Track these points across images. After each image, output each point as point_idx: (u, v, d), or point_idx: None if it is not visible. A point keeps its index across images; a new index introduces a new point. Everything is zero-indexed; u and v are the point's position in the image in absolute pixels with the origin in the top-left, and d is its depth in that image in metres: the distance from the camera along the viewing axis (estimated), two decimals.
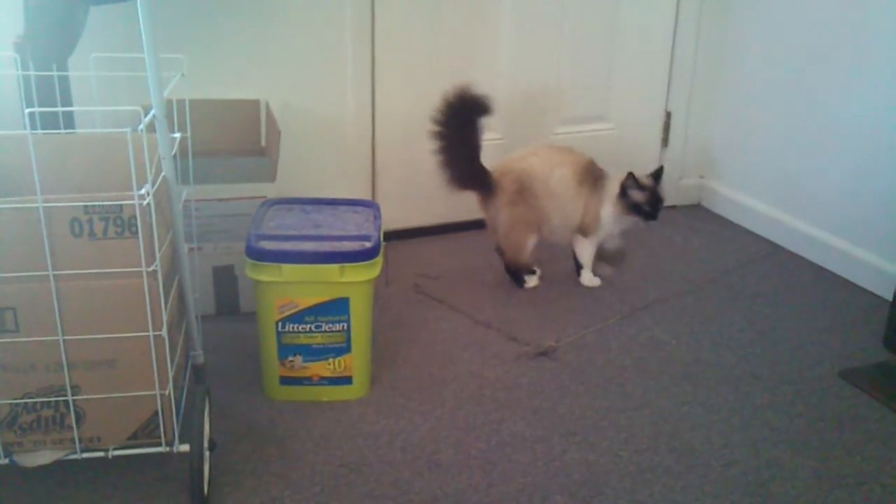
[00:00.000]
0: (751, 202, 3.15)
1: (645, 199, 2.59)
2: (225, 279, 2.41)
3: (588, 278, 2.73)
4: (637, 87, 3.19)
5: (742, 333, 2.47)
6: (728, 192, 3.27)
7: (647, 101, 3.24)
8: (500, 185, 2.58)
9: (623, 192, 2.58)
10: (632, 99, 3.20)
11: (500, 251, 2.72)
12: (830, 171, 2.81)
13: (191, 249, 2.28)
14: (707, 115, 3.27)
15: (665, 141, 3.30)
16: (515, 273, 2.71)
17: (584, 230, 2.65)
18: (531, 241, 2.63)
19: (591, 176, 2.62)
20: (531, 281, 2.72)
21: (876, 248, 2.67)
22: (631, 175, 2.57)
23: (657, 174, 2.64)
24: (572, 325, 2.50)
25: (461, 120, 2.52)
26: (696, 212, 3.36)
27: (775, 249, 3.04)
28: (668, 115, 3.27)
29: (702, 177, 3.39)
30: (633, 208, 2.59)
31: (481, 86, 2.93)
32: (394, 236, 2.88)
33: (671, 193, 3.34)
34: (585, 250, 2.70)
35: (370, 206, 2.23)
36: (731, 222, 3.25)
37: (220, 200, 2.34)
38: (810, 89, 2.84)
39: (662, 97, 3.24)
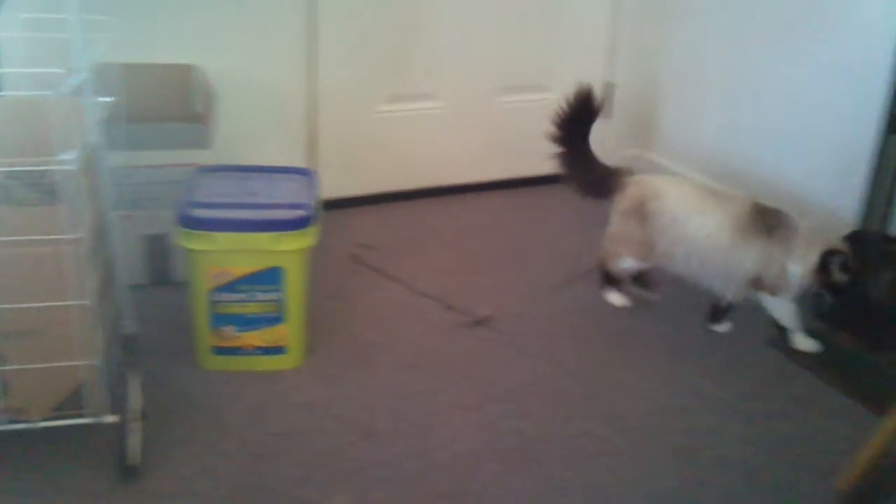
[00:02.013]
0: (689, 172, 3.19)
1: (846, 284, 2.17)
2: (157, 248, 2.37)
3: (801, 340, 2.29)
4: (578, 58, 3.19)
5: (675, 302, 2.51)
6: (667, 163, 3.30)
7: (588, 72, 3.24)
8: (624, 190, 2.38)
9: (824, 268, 2.16)
10: (574, 69, 3.19)
11: (599, 260, 2.52)
12: (768, 143, 2.85)
13: (121, 217, 2.24)
14: (648, 86, 3.30)
15: (606, 112, 3.31)
16: (605, 276, 2.50)
17: (768, 287, 2.25)
18: (628, 263, 2.41)
19: (764, 223, 2.22)
20: (613, 297, 2.49)
21: (809, 218, 2.73)
22: (840, 253, 2.16)
23: (856, 239, 2.22)
24: (509, 294, 2.51)
25: (582, 126, 2.45)
26: None
27: None
28: (610, 86, 3.28)
29: (643, 148, 3.41)
30: (828, 287, 2.20)
31: (424, 55, 2.94)
32: (334, 205, 2.85)
33: (613, 164, 3.37)
34: (784, 312, 2.28)
35: (306, 174, 2.21)
36: None
37: (152, 167, 2.30)
38: (751, 62, 2.87)
39: (604, 68, 3.26)
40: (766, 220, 2.22)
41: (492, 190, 3.17)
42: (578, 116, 2.45)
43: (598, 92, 2.47)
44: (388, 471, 1.80)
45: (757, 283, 2.25)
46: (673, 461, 1.88)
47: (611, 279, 2.48)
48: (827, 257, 2.15)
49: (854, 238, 2.23)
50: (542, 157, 3.25)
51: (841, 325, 2.31)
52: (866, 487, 1.41)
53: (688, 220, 2.27)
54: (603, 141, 3.30)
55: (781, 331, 2.32)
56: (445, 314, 2.39)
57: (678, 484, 1.81)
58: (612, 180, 2.41)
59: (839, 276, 2.16)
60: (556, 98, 3.18)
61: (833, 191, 2.53)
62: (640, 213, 2.33)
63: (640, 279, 2.48)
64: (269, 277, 1.99)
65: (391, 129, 2.98)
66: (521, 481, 1.80)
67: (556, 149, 2.47)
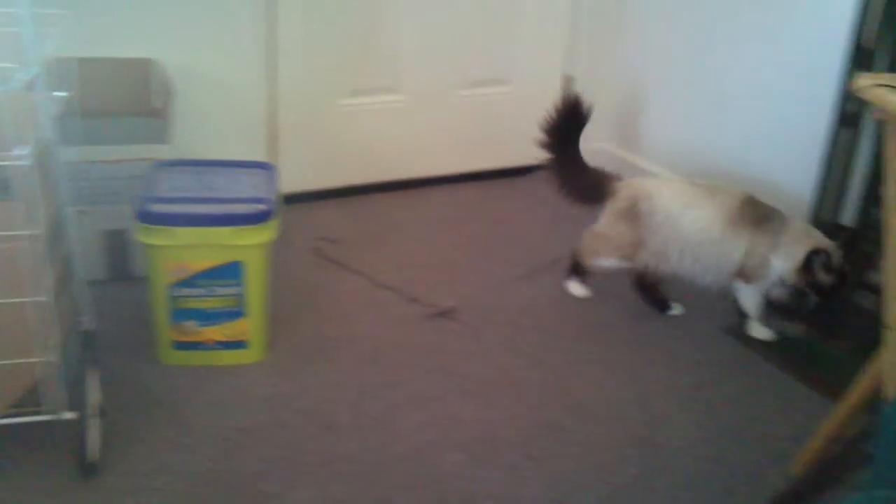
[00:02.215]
0: (647, 165, 3.22)
1: (831, 283, 2.18)
2: (117, 243, 2.35)
3: (757, 328, 2.34)
4: (538, 51, 3.21)
5: (631, 292, 2.53)
6: (626, 156, 3.33)
7: (548, 65, 3.27)
8: (616, 194, 2.39)
9: (808, 267, 2.18)
10: (532, 63, 3.22)
11: (573, 251, 2.52)
12: (725, 134, 2.89)
13: (80, 213, 2.23)
14: (606, 80, 3.32)
15: None
16: (574, 266, 2.51)
17: (746, 275, 2.28)
18: (608, 262, 2.42)
19: (754, 215, 2.26)
20: (574, 287, 2.51)
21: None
22: (824, 252, 2.17)
23: (847, 240, 2.24)
24: (473, 286, 2.52)
25: (571, 132, 2.45)
26: None
27: None
28: (568, 80, 3.30)
29: (602, 141, 3.44)
30: (813, 286, 2.21)
31: (385, 49, 2.94)
32: (296, 199, 2.85)
33: None
34: (750, 299, 2.33)
35: (266, 168, 2.20)
36: None
37: (111, 162, 2.28)
38: (707, 55, 2.90)
39: (562, 62, 3.27)
40: (756, 212, 2.26)
41: (455, 183, 3.18)
42: (567, 123, 2.46)
43: (585, 98, 2.48)
44: (349, 464, 1.81)
45: (738, 272, 2.28)
46: (632, 449, 1.90)
47: (579, 270, 2.49)
48: (811, 256, 2.17)
49: (846, 241, 2.25)
50: (505, 150, 3.29)
51: (826, 330, 2.34)
52: (819, 472, 1.44)
53: (682, 216, 2.29)
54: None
55: (742, 317, 2.35)
56: (409, 306, 2.40)
57: (637, 471, 1.84)
58: (604, 185, 2.43)
59: (823, 277, 2.17)
60: (517, 91, 3.23)
61: (792, 180, 2.57)
62: (633, 213, 2.35)
63: (653, 296, 2.46)
64: (230, 272, 1.99)
65: (353, 122, 2.97)
66: (483, 471, 1.81)
67: (545, 156, 2.48)
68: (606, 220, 2.41)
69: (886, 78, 1.54)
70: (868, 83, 1.50)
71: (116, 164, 2.28)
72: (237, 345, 2.07)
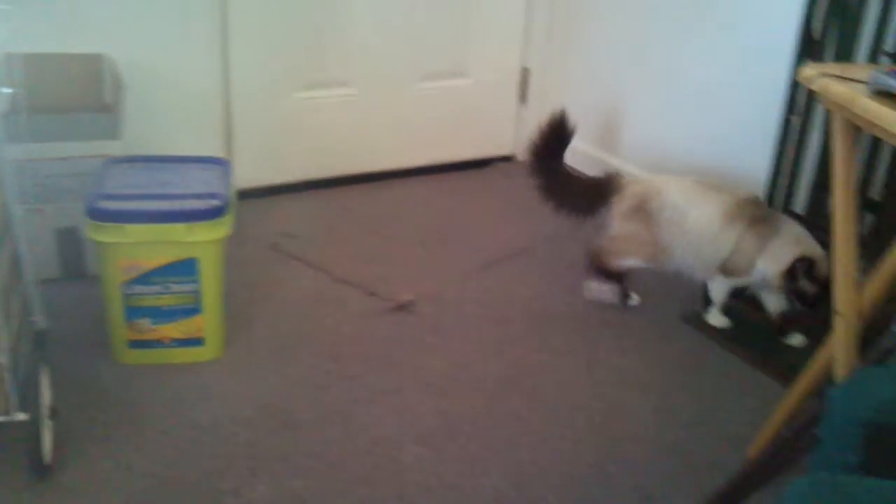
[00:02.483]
0: (604, 155, 3.25)
1: (814, 293, 2.15)
2: (69, 241, 2.32)
3: (715, 316, 2.36)
4: (494, 43, 3.22)
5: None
6: (583, 147, 3.35)
7: (504, 57, 3.28)
8: (622, 192, 2.37)
9: (792, 273, 2.16)
10: (489, 56, 3.22)
11: (591, 256, 2.46)
12: (683, 125, 2.92)
13: (31, 211, 2.19)
14: (563, 71, 3.34)
15: (522, 97, 3.35)
16: (602, 272, 2.44)
17: (727, 270, 2.28)
18: (632, 262, 2.39)
19: (751, 214, 2.24)
20: (598, 290, 2.45)
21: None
22: (809, 261, 2.14)
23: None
24: (430, 279, 2.53)
25: (558, 149, 2.45)
26: None
27: None
28: (526, 72, 3.31)
29: None
30: (795, 294, 2.19)
31: (339, 43, 2.92)
32: (253, 195, 2.83)
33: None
34: (719, 288, 2.34)
35: (220, 163, 2.18)
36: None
37: (62, 159, 2.24)
38: (662, 46, 2.93)
39: (519, 54, 3.28)
40: (754, 212, 2.24)
41: (412, 176, 3.18)
42: (554, 142, 2.46)
43: (570, 115, 2.47)
44: (308, 458, 1.81)
45: (722, 266, 2.28)
46: (590, 437, 1.92)
47: (609, 275, 2.43)
48: (796, 263, 2.15)
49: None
50: (462, 143, 3.30)
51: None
52: (769, 457, 1.46)
53: (688, 211, 2.29)
54: (520, 126, 3.38)
55: (706, 302, 2.38)
56: (367, 300, 2.40)
57: (595, 459, 1.86)
58: (605, 188, 2.41)
59: (806, 285, 2.15)
60: (474, 84, 3.23)
61: (750, 170, 2.60)
62: (643, 211, 2.33)
63: (621, 286, 2.45)
64: (184, 269, 1.97)
65: (309, 116, 2.96)
66: (442, 463, 1.82)
67: (535, 180, 2.46)
68: (618, 222, 2.38)
69: (832, 67, 1.56)
70: (813, 73, 1.52)
71: (68, 161, 2.24)
72: (194, 342, 2.06)
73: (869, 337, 1.59)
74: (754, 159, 2.57)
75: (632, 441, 1.92)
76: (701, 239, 2.28)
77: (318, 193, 3.01)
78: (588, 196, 2.44)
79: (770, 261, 2.20)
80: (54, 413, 1.75)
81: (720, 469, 1.82)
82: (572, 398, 2.05)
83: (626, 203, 2.36)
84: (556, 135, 2.47)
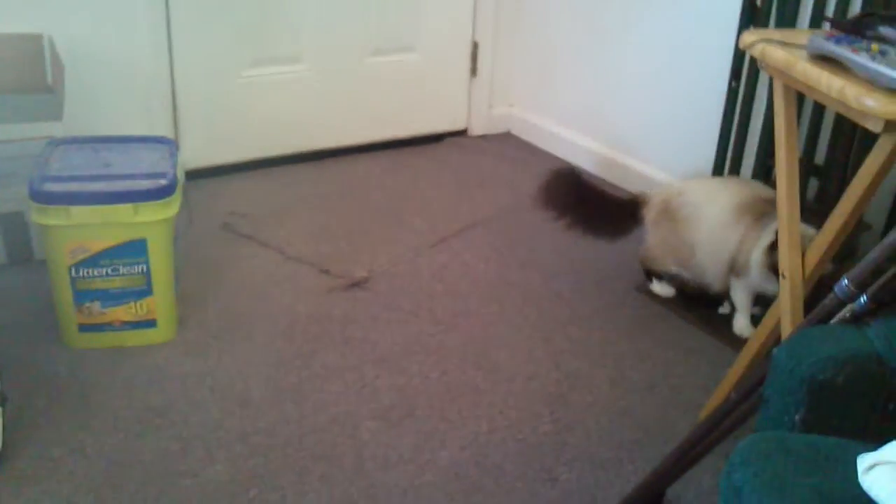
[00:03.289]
0: (556, 128, 3.26)
1: None
2: (14, 226, 2.27)
3: (741, 325, 2.25)
4: (444, 17, 3.20)
5: (547, 255, 2.57)
6: (535, 120, 3.36)
7: (455, 31, 3.26)
8: (650, 202, 2.36)
9: (773, 248, 2.02)
10: (439, 30, 3.21)
11: (640, 262, 2.44)
12: (625, 96, 2.94)
13: None
14: (513, 44, 3.34)
15: (473, 71, 3.34)
16: (653, 275, 2.41)
17: (734, 268, 2.20)
18: (671, 267, 2.34)
19: (756, 209, 2.14)
20: (659, 287, 2.40)
21: (664, 166, 2.84)
22: None
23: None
24: (384, 255, 2.52)
25: (575, 197, 2.42)
26: (506, 139, 3.44)
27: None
28: (476, 46, 3.30)
29: (511, 105, 3.46)
30: (775, 269, 1.98)
31: (287, 18, 2.88)
32: (203, 174, 2.80)
33: (482, 122, 3.41)
34: (736, 292, 2.24)
35: (166, 142, 2.15)
36: (539, 148, 3.35)
37: (3, 142, 2.20)
38: (610, 17, 2.94)
39: (469, 28, 3.27)
40: (763, 209, 2.14)
41: (362, 153, 3.16)
42: (568, 195, 2.43)
43: (580, 170, 2.46)
44: (266, 437, 1.80)
45: (730, 266, 2.22)
46: (545, 407, 1.94)
47: (654, 274, 2.41)
48: (770, 248, 2.06)
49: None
50: (412, 118, 3.28)
51: None
52: (720, 418, 1.49)
53: (703, 208, 2.24)
54: (472, 100, 3.38)
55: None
56: (320, 278, 2.39)
57: (550, 428, 1.88)
58: (633, 206, 2.40)
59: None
60: (423, 58, 3.22)
61: (698, 137, 2.64)
62: (668, 213, 2.31)
63: None
64: (132, 250, 1.94)
65: (257, 94, 2.92)
66: (399, 437, 1.83)
67: (561, 220, 2.43)
68: (651, 230, 2.37)
69: (773, 33, 1.58)
70: (754, 38, 1.54)
71: (9, 144, 2.20)
72: (146, 324, 2.03)
73: (815, 299, 1.62)
74: (707, 127, 2.60)
75: (587, 409, 1.94)
76: (712, 235, 2.22)
77: (269, 172, 2.98)
78: (620, 218, 2.42)
79: (758, 249, 2.12)
80: (4, 399, 1.72)
81: (674, 433, 1.85)
82: (528, 369, 2.06)
83: (653, 211, 2.36)
84: (572, 191, 2.44)
